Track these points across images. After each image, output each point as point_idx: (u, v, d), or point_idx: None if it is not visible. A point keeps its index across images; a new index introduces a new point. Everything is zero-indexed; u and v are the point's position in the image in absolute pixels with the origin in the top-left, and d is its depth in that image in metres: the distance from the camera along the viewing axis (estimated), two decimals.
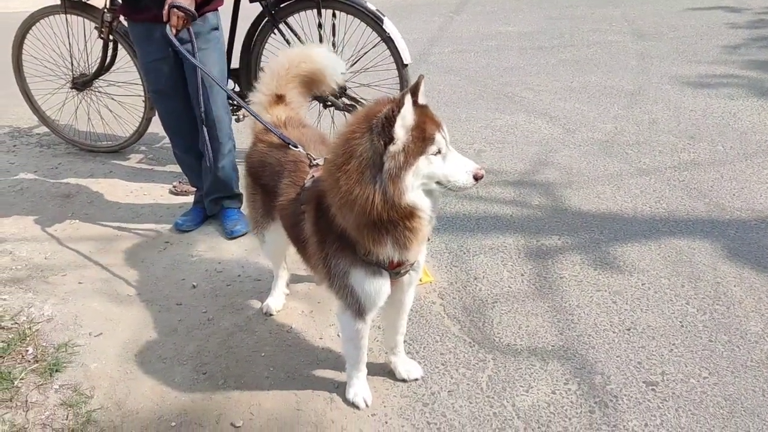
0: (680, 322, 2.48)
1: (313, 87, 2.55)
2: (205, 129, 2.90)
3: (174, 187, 3.80)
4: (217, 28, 3.09)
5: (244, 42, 3.83)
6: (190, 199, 3.64)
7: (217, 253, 3.16)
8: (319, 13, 3.60)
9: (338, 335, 2.53)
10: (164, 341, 2.55)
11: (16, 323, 2.64)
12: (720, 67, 5.31)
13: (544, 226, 3.19)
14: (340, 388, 2.28)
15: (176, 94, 3.10)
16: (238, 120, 3.94)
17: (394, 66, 3.70)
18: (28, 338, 2.55)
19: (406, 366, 2.31)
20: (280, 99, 2.44)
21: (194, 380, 2.35)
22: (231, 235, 3.27)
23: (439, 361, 2.37)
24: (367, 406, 2.19)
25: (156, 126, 4.35)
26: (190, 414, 2.19)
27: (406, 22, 3.53)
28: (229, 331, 2.61)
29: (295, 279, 2.85)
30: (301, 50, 2.50)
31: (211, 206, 3.39)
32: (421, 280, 2.82)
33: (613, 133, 4.19)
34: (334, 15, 3.64)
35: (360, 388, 2.21)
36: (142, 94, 4.14)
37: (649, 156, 3.84)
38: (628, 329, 2.46)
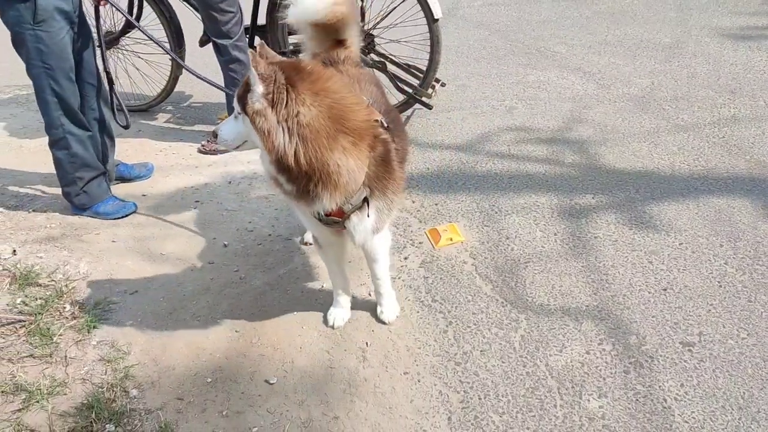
0: (718, 282, 2.43)
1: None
2: None
3: (202, 145, 3.80)
4: None
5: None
6: (219, 157, 3.64)
7: (247, 212, 3.16)
8: None
9: (369, 294, 2.54)
10: (197, 299, 2.58)
11: (53, 281, 2.69)
12: (762, 19, 5.09)
13: (577, 184, 3.12)
14: (371, 346, 2.29)
15: None
16: None
17: (423, 21, 3.61)
18: (64, 295, 2.59)
19: (380, 307, 2.43)
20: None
21: (228, 338, 2.37)
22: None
23: (471, 321, 2.36)
24: (333, 327, 2.40)
25: (183, 85, 4.36)
26: (225, 371, 2.22)
27: None
28: (260, 290, 2.62)
29: None
30: None
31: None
32: (452, 239, 2.80)
33: (649, 89, 4.06)
34: None
35: (333, 309, 2.43)
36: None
37: (687, 112, 3.72)
38: (665, 289, 2.42)
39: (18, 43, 2.78)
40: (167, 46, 3.26)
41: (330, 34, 2.47)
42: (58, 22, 2.75)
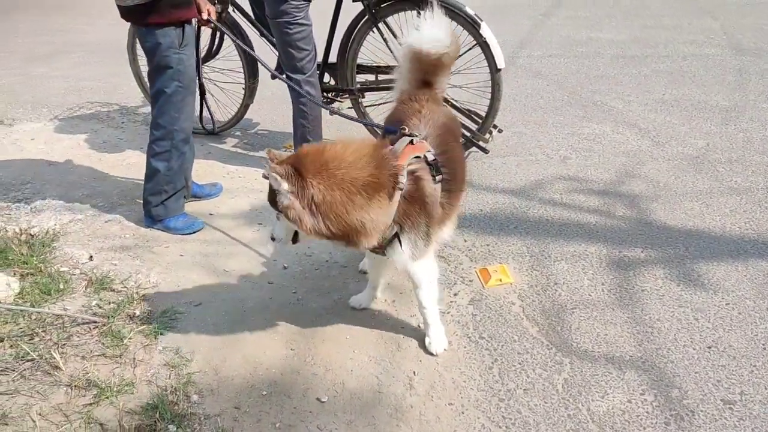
0: (763, 344, 2.47)
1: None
2: None
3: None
4: None
5: (342, 39, 3.98)
6: None
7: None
8: (419, 14, 3.69)
9: (419, 326, 2.65)
10: (256, 316, 2.73)
11: (125, 287, 2.88)
12: None
13: (627, 237, 3.20)
14: (418, 375, 2.39)
15: None
16: (332, 113, 4.09)
17: (486, 68, 3.77)
18: (135, 302, 2.78)
19: (428, 338, 2.53)
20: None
21: (284, 355, 2.51)
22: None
23: (516, 360, 2.44)
24: (355, 308, 2.76)
25: (252, 113, 4.61)
26: (279, 385, 2.36)
27: (495, 23, 3.58)
28: (316, 312, 2.76)
29: None
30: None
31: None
32: (501, 280, 2.91)
33: (704, 150, 4.12)
34: None
35: (359, 294, 2.79)
36: (243, 81, 4.37)
37: (741, 175, 3.76)
38: (709, 347, 2.46)
39: (162, 67, 3.10)
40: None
41: (425, 73, 2.64)
42: (192, 46, 3.17)
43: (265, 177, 2.11)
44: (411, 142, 2.24)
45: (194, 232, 3.35)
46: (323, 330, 2.65)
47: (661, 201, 3.52)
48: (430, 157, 2.25)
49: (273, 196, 2.14)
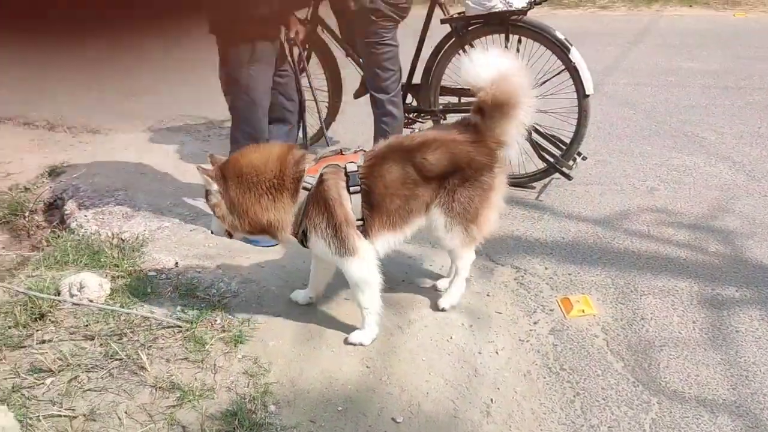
0: None
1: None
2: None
3: None
4: None
5: (428, 60, 4.00)
6: None
7: (382, 257, 3.32)
8: (507, 38, 3.69)
9: (497, 353, 2.59)
10: (333, 331, 2.74)
11: (208, 295, 2.95)
12: None
13: (720, 275, 3.04)
14: (496, 403, 2.34)
15: None
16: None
17: (572, 93, 3.70)
18: (217, 309, 2.84)
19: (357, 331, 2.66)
20: None
21: (359, 372, 2.51)
22: None
23: (599, 395, 2.35)
24: (295, 300, 2.89)
25: (332, 132, 4.68)
26: (355, 402, 2.35)
27: (580, 49, 3.52)
28: (391, 330, 2.75)
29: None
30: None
31: None
32: (584, 311, 2.82)
33: None
34: (519, 41, 3.71)
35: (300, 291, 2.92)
36: (326, 100, 4.45)
37: None
38: None
39: (233, 81, 3.23)
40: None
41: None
42: (265, 63, 3.23)
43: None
44: (340, 152, 2.57)
45: (273, 245, 3.41)
46: (398, 349, 2.63)
47: (757, 238, 3.34)
48: (351, 168, 2.48)
49: (207, 195, 2.56)
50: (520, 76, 2.50)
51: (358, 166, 2.49)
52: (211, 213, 2.62)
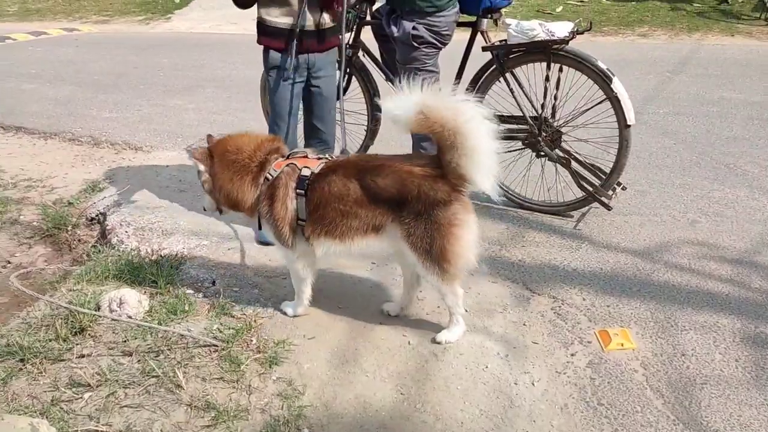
0: None
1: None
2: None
3: None
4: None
5: (468, 87, 4.00)
6: None
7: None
8: (548, 67, 3.68)
9: (533, 384, 2.56)
10: (367, 356, 2.73)
11: (244, 314, 2.98)
12: None
13: (764, 312, 2.96)
14: None
15: None
16: None
17: (612, 123, 3.67)
18: (252, 329, 2.86)
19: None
20: None
21: (393, 398, 2.49)
22: None
23: None
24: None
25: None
26: (389, 429, 2.33)
27: (619, 77, 3.49)
28: (426, 357, 2.73)
29: (486, 313, 2.93)
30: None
31: None
32: (622, 345, 2.76)
33: None
34: (560, 69, 3.70)
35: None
36: (365, 123, 4.49)
37: None
38: None
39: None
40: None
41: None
42: (280, 72, 3.39)
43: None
44: (305, 155, 2.82)
45: None
46: (433, 377, 2.61)
47: None
48: (305, 172, 2.69)
49: (198, 174, 2.91)
50: (448, 107, 2.43)
51: (311, 172, 2.68)
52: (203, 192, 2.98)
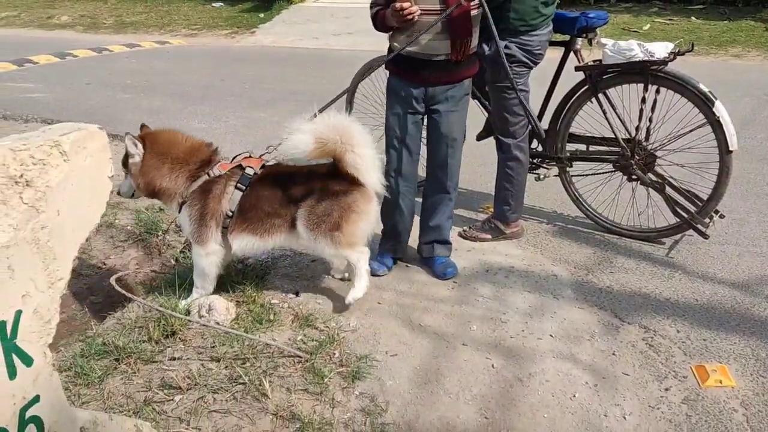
0: None
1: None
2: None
3: (464, 231, 4.00)
4: (467, 94, 3.37)
5: (558, 106, 3.93)
6: (479, 245, 3.82)
7: (501, 303, 3.25)
8: (646, 89, 3.56)
9: (624, 417, 2.45)
10: (450, 376, 2.69)
11: (327, 327, 3.00)
12: None
13: None
14: None
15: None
16: (538, 179, 4.04)
17: (712, 148, 3.51)
18: (335, 342, 2.87)
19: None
20: None
21: (477, 422, 2.44)
22: (444, 277, 3.49)
23: None
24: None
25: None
26: None
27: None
28: (510, 382, 2.66)
29: (573, 340, 2.83)
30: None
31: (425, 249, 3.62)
32: (721, 382, 2.62)
33: None
34: (657, 91, 3.57)
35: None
36: None
37: None
38: None
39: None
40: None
41: None
42: (397, 102, 3.30)
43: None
44: (249, 156, 3.07)
45: (390, 268, 3.51)
46: (519, 403, 2.54)
47: None
48: (248, 171, 2.98)
49: (126, 159, 2.99)
50: (334, 129, 2.86)
51: (254, 172, 2.99)
52: (125, 177, 3.09)
